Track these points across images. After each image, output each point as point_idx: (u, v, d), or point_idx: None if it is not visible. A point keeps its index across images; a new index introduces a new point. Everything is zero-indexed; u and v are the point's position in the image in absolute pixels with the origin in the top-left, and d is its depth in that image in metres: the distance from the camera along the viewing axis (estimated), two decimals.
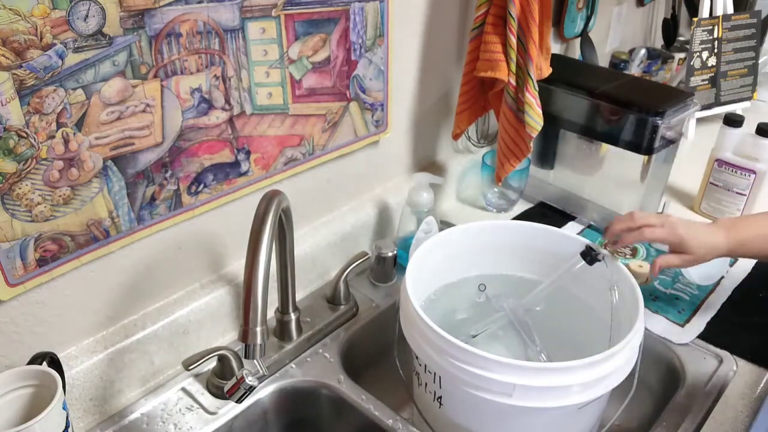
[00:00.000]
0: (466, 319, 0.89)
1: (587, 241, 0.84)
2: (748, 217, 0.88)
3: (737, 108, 1.59)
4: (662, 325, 0.93)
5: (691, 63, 1.53)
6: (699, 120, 1.58)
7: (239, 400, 0.67)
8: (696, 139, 1.55)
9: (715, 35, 1.54)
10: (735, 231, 0.84)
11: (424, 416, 0.80)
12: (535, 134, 1.04)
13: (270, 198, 0.69)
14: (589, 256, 0.81)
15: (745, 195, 1.17)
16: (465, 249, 0.90)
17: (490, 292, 0.88)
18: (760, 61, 1.61)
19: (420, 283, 0.82)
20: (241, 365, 0.78)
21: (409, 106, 1.09)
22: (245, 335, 0.63)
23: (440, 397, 0.75)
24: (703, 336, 0.91)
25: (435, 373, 0.72)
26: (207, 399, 0.80)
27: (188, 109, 0.74)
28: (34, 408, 0.63)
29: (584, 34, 1.49)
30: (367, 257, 0.98)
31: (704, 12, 1.55)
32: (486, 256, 0.91)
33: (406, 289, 0.75)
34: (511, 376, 0.65)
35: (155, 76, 0.69)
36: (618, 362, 0.68)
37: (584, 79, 1.14)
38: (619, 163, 1.13)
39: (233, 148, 0.80)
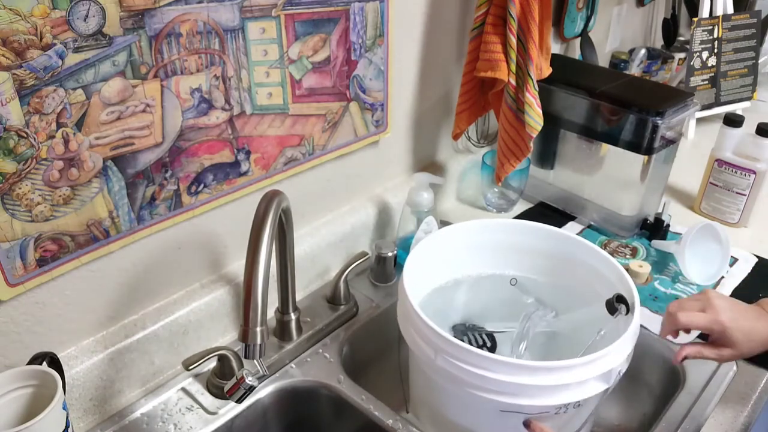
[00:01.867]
0: (466, 314, 0.90)
1: (625, 273, 0.78)
2: None
3: (737, 108, 1.59)
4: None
5: (691, 63, 1.53)
6: (699, 120, 1.58)
7: (239, 400, 0.67)
8: (696, 139, 1.55)
9: (715, 35, 1.54)
10: None
11: (413, 403, 0.80)
12: (535, 134, 1.04)
13: (270, 198, 0.69)
14: (614, 307, 0.75)
15: (745, 195, 1.17)
16: (469, 246, 0.90)
17: (519, 288, 0.88)
18: (760, 61, 1.61)
19: (419, 279, 0.82)
20: (241, 365, 0.78)
21: (409, 106, 1.09)
22: (245, 335, 0.63)
23: (428, 386, 0.75)
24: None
25: (427, 365, 0.73)
26: (207, 399, 0.80)
27: (188, 109, 0.74)
28: (34, 408, 0.63)
29: (584, 34, 1.49)
30: (367, 257, 0.98)
31: (704, 12, 1.55)
32: (487, 254, 0.91)
33: (404, 284, 0.75)
34: (497, 373, 0.66)
35: (155, 76, 0.69)
36: (584, 374, 0.66)
37: (584, 79, 1.14)
38: (619, 163, 1.13)
39: (233, 148, 0.80)
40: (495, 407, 0.68)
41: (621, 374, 0.70)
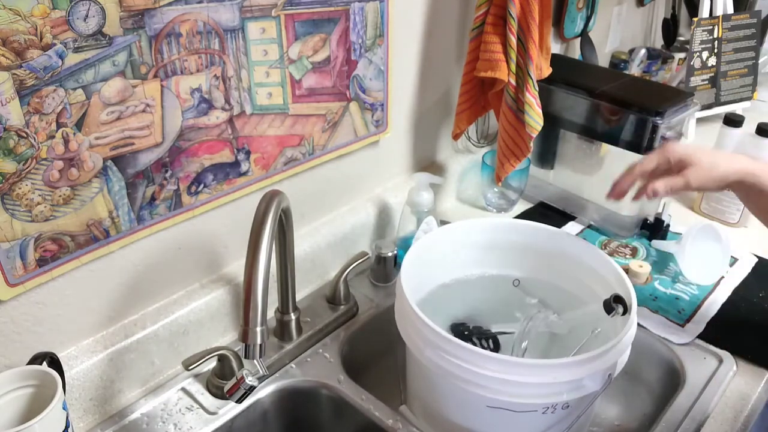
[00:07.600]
0: (469, 314, 0.90)
1: (623, 273, 0.78)
2: None
3: (737, 108, 1.59)
4: (662, 325, 0.93)
5: (691, 63, 1.53)
6: (699, 120, 1.58)
7: (239, 400, 0.67)
8: (696, 139, 1.55)
9: (715, 35, 1.54)
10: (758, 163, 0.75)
11: (410, 401, 0.81)
12: (535, 134, 1.04)
13: (270, 198, 0.69)
14: (611, 307, 0.75)
15: None
16: (468, 246, 0.90)
17: (522, 289, 0.88)
18: (760, 61, 1.61)
19: (418, 278, 0.82)
20: (241, 365, 0.78)
21: (409, 106, 1.09)
22: (245, 335, 0.63)
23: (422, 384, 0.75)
24: (703, 336, 0.91)
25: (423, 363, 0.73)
26: (207, 399, 0.80)
27: (188, 109, 0.74)
28: (34, 408, 0.63)
29: (584, 34, 1.49)
30: (367, 257, 0.98)
31: (704, 12, 1.55)
32: (487, 254, 0.91)
33: (401, 281, 0.75)
34: (491, 370, 0.66)
35: (155, 76, 0.69)
36: (578, 372, 0.66)
37: (584, 79, 1.14)
38: (619, 163, 1.12)
39: (233, 148, 0.80)
40: (482, 402, 0.68)
41: (612, 378, 0.68)
